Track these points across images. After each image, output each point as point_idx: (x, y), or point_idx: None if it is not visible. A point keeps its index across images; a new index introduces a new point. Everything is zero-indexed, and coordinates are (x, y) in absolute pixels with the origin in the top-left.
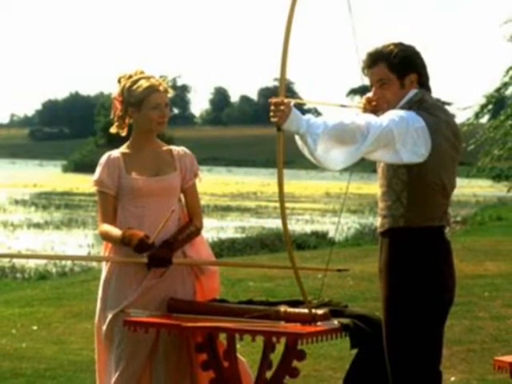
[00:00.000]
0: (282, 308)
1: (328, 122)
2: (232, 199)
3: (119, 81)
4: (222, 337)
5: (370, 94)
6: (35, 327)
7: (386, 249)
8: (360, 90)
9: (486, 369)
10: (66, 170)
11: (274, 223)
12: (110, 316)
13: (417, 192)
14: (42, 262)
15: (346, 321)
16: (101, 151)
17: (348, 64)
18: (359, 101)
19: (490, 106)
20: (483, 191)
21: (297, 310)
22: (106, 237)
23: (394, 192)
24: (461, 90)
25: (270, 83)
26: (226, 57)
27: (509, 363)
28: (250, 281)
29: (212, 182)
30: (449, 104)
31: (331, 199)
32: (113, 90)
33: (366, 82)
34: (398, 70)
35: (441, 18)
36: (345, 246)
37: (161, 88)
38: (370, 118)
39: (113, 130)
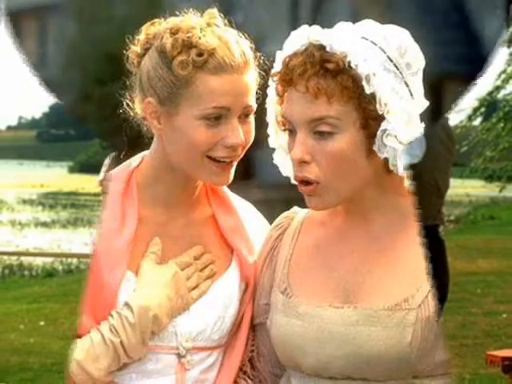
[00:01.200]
0: None
1: None
2: None
3: None
4: None
5: None
6: (42, 323)
7: None
8: None
9: (479, 363)
10: (72, 170)
11: None
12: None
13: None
14: (49, 259)
15: None
16: (106, 153)
17: None
18: None
19: (483, 109)
20: (476, 191)
21: None
22: None
23: None
24: None
25: None
26: None
27: (501, 357)
28: None
29: None
30: None
31: None
32: None
33: None
34: None
35: None
36: None
37: None
38: None
39: None
